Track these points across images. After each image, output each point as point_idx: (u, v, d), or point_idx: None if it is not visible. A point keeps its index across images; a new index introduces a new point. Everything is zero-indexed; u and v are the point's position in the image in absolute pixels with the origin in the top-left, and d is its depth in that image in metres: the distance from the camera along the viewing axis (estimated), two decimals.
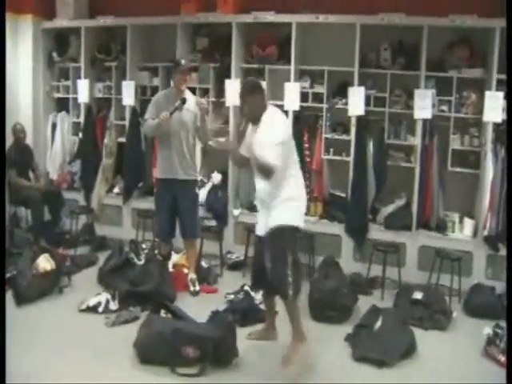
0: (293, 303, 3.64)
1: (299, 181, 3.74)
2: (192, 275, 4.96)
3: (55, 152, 6.68)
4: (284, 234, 3.57)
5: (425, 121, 5.22)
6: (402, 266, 5.13)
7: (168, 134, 4.67)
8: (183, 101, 4.60)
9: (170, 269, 5.06)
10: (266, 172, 3.43)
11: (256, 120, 3.61)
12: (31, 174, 6.15)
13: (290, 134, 3.75)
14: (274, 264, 3.56)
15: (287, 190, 3.58)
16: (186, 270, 5.07)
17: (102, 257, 5.36)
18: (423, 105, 5.13)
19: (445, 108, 5.28)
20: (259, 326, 4.15)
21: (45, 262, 4.65)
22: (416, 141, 5.29)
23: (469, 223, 5.23)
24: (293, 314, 3.65)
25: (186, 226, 4.90)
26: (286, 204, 3.58)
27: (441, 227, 5.32)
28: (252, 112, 3.63)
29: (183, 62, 4.84)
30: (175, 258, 5.20)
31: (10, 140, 5.95)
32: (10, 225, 5.87)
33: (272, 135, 3.46)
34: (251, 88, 3.67)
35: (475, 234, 5.17)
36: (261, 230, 3.73)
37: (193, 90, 5.93)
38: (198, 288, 4.91)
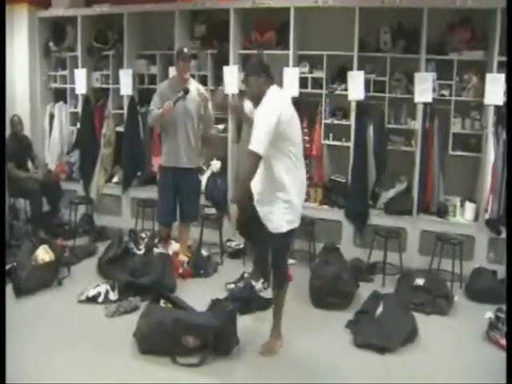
0: (282, 293, 3.68)
1: (300, 178, 3.53)
2: (182, 257, 5.07)
3: (53, 143, 6.66)
4: (282, 240, 3.54)
5: (425, 104, 5.16)
6: (402, 251, 5.12)
7: (173, 123, 4.74)
8: (186, 91, 4.65)
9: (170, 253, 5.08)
10: (249, 157, 3.28)
11: (257, 101, 3.44)
12: (30, 165, 6.12)
13: (290, 115, 3.40)
14: (275, 258, 3.62)
15: (285, 192, 3.42)
16: (183, 258, 5.11)
17: (102, 247, 5.34)
18: (423, 88, 5.07)
19: (445, 92, 5.23)
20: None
21: (44, 254, 4.64)
22: (416, 125, 5.25)
23: (470, 207, 5.19)
24: (278, 306, 3.71)
25: (187, 211, 5.05)
26: (283, 207, 3.44)
27: (442, 211, 5.29)
28: (251, 92, 3.51)
29: (186, 49, 4.86)
30: (175, 246, 5.17)
31: (7, 132, 5.91)
32: (9, 217, 5.87)
33: (264, 119, 3.27)
34: (251, 68, 3.53)
35: (477, 217, 5.14)
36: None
37: (191, 78, 5.93)
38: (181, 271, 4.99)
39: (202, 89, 4.93)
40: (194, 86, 4.89)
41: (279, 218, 3.43)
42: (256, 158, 3.23)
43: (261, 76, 3.45)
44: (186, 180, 4.91)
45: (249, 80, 3.51)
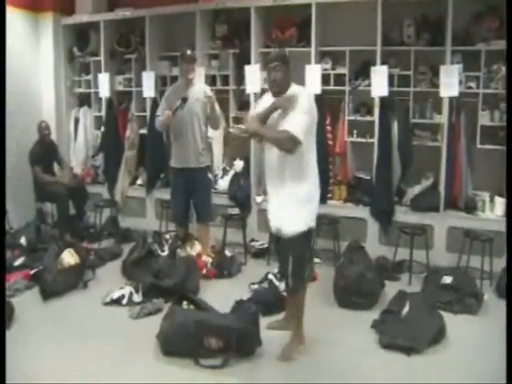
0: (301, 296, 3.62)
1: (314, 176, 3.49)
2: (205, 258, 5.08)
3: (78, 147, 6.75)
4: (299, 241, 3.44)
5: (451, 98, 5.04)
6: (429, 248, 5.01)
7: (179, 125, 4.83)
8: (184, 100, 4.73)
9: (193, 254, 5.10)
10: (290, 144, 3.19)
11: (280, 92, 3.36)
12: (56, 170, 6.20)
13: (314, 116, 3.36)
14: (294, 266, 3.50)
15: (305, 186, 3.39)
16: (205, 259, 5.12)
17: (127, 249, 5.36)
18: (450, 82, 4.96)
19: (473, 84, 5.10)
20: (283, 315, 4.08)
21: (69, 257, 4.69)
22: (442, 119, 5.14)
23: (500, 202, 5.05)
24: (298, 310, 3.65)
25: (200, 211, 5.14)
26: (300, 206, 3.39)
27: (470, 207, 5.17)
28: (277, 81, 3.36)
29: (189, 51, 4.93)
30: (198, 247, 5.17)
31: (35, 137, 6.03)
32: (37, 220, 5.95)
33: (297, 109, 3.23)
34: (278, 56, 3.42)
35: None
36: (274, 226, 3.57)
37: (213, 78, 5.94)
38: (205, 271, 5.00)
39: (208, 91, 4.98)
40: (199, 87, 4.98)
41: (297, 214, 3.39)
42: (296, 142, 3.18)
43: (286, 66, 3.37)
44: (196, 180, 4.98)
45: (274, 67, 3.35)
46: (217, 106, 5.01)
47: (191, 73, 4.86)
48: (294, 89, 3.38)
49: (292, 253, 3.45)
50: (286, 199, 3.42)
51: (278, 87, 3.38)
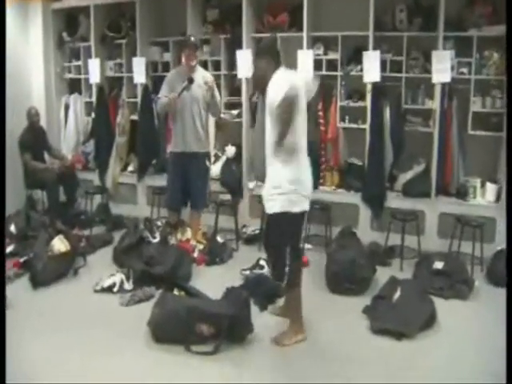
0: (290, 293, 3.56)
1: (303, 161, 3.42)
2: (193, 242, 5.13)
3: (69, 133, 6.69)
4: (280, 222, 3.36)
5: (443, 84, 5.02)
6: (421, 234, 5.03)
7: (181, 109, 4.85)
8: (190, 80, 4.77)
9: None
10: (286, 110, 3.12)
11: (264, 84, 3.32)
12: (46, 157, 6.15)
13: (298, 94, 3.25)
14: (272, 252, 3.51)
15: (290, 170, 3.32)
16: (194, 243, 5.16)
17: (118, 236, 5.32)
18: (442, 67, 4.94)
19: (465, 70, 5.08)
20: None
21: (59, 244, 4.63)
22: (434, 105, 5.13)
23: (491, 188, 5.08)
24: (290, 304, 3.62)
25: (196, 198, 5.14)
26: (276, 188, 3.34)
27: (461, 193, 5.19)
28: (259, 75, 3.41)
29: (192, 38, 4.95)
30: (189, 233, 5.17)
31: (24, 123, 5.96)
32: (27, 208, 5.90)
33: (278, 82, 3.21)
34: (260, 50, 3.50)
35: (498, 198, 5.02)
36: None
37: (204, 63, 5.89)
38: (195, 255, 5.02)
39: (208, 77, 4.99)
40: (200, 73, 4.98)
41: (280, 197, 3.34)
42: (291, 104, 3.12)
43: (268, 58, 3.36)
44: (194, 165, 5.00)
45: (256, 62, 3.47)
46: (216, 93, 5.04)
47: (193, 59, 4.89)
48: (275, 78, 3.31)
49: (272, 235, 3.45)
50: (270, 178, 3.42)
51: (256, 83, 3.57)
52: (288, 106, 3.12)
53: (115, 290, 4.31)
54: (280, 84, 3.18)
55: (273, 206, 3.37)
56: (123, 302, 4.14)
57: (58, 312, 4.01)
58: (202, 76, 4.95)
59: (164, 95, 4.87)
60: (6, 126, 5.45)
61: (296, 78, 3.38)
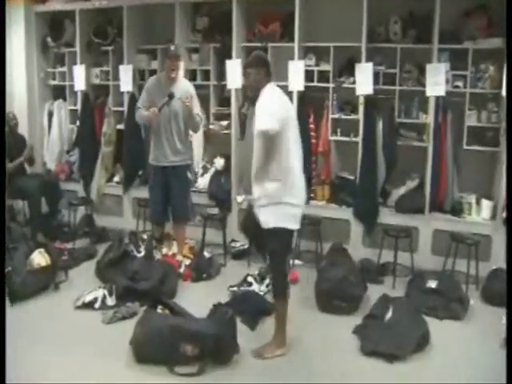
0: (283, 304, 3.53)
1: (297, 177, 3.45)
2: (180, 257, 5.04)
3: (52, 141, 6.52)
4: (275, 238, 3.41)
5: (438, 97, 4.95)
6: (414, 251, 4.94)
7: (159, 123, 4.80)
8: (171, 96, 4.68)
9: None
10: (262, 137, 3.20)
11: (255, 96, 3.39)
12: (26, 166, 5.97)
13: (288, 115, 3.42)
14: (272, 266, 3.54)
15: (281, 190, 3.35)
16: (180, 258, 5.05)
17: (102, 249, 5.18)
18: (436, 80, 4.87)
19: (460, 84, 5.01)
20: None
21: (39, 258, 4.49)
22: (428, 119, 5.05)
23: (487, 204, 4.99)
24: (279, 314, 3.57)
25: (176, 210, 5.02)
26: (276, 206, 3.36)
27: (456, 210, 5.10)
28: (251, 86, 3.46)
29: (173, 48, 4.80)
30: (175, 247, 5.04)
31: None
32: (7, 218, 5.72)
33: (267, 102, 3.28)
34: (253, 61, 3.50)
35: (494, 216, 4.92)
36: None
37: (193, 73, 5.77)
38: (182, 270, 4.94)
39: (189, 91, 4.81)
40: (181, 85, 4.85)
41: (274, 212, 3.36)
42: (267, 134, 3.18)
43: (260, 69, 3.41)
44: (174, 177, 4.90)
45: (248, 73, 3.47)
46: (197, 108, 4.91)
47: (174, 71, 4.73)
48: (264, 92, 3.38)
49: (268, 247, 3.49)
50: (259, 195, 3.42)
51: (247, 89, 3.56)
52: (263, 143, 3.22)
53: (97, 305, 4.17)
54: (266, 105, 3.27)
55: (267, 220, 3.38)
56: (105, 319, 4.00)
57: (36, 329, 3.86)
58: (185, 88, 4.81)
59: (143, 105, 4.79)
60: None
61: (283, 99, 3.45)
